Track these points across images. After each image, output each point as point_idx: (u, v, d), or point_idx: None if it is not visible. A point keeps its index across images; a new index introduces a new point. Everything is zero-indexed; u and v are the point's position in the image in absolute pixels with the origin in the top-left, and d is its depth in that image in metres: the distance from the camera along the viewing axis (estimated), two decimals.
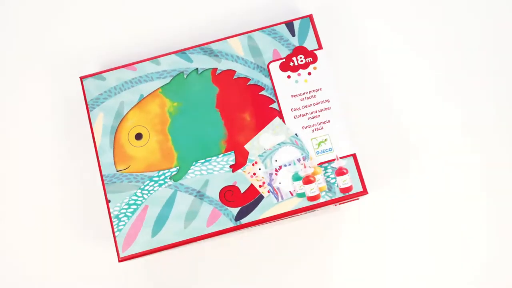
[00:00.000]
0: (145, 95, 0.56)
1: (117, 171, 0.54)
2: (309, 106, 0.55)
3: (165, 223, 0.53)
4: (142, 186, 0.54)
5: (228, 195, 0.54)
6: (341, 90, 0.59)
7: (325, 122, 0.55)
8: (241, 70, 0.56)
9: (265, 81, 0.56)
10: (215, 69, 0.56)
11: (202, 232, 0.53)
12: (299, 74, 0.56)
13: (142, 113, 0.56)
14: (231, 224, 0.53)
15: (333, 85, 0.55)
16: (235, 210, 0.53)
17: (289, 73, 0.56)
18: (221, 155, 0.55)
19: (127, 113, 0.55)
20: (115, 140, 0.55)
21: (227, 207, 0.53)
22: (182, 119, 0.55)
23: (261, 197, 0.54)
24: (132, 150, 0.55)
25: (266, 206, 0.53)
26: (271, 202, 0.54)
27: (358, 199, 0.56)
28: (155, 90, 0.56)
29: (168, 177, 0.54)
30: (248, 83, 0.56)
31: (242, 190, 0.54)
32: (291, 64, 0.56)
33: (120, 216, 0.54)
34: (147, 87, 0.56)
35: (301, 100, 0.55)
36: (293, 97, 0.56)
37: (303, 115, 0.55)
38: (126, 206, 0.54)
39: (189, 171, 0.54)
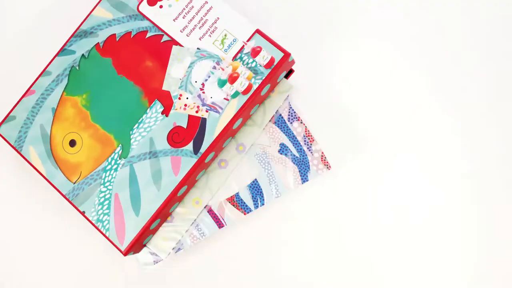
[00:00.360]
0: (55, 106, 0.56)
1: (74, 183, 0.54)
2: (193, 18, 0.54)
3: (140, 197, 0.53)
4: (102, 181, 0.54)
5: (176, 137, 0.53)
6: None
7: (215, 22, 0.54)
8: (120, 30, 0.56)
9: (145, 24, 0.55)
10: (97, 43, 0.56)
11: (175, 183, 0.53)
12: None
13: (62, 123, 0.56)
14: (195, 159, 0.52)
15: None
16: (190, 146, 0.53)
17: (158, 4, 0.55)
18: (148, 109, 0.54)
19: (50, 131, 0.55)
20: (56, 159, 0.55)
21: (181, 148, 0.53)
22: (98, 104, 0.55)
23: (204, 120, 0.53)
24: (75, 158, 0.55)
25: (213, 124, 0.53)
26: (215, 118, 0.53)
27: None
28: (60, 97, 0.56)
29: (118, 158, 0.54)
30: (132, 36, 0.55)
31: (185, 125, 0.53)
32: None
33: (100, 217, 0.53)
34: (53, 98, 0.56)
35: (183, 18, 0.55)
36: (176, 20, 0.55)
37: (194, 29, 0.54)
38: (100, 206, 0.54)
39: (132, 141, 0.54)
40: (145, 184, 0.53)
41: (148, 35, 0.55)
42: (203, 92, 0.54)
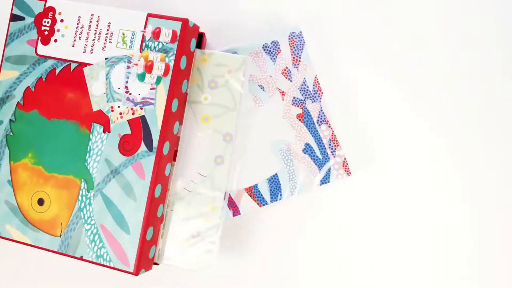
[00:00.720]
0: (10, 178, 0.56)
1: (60, 236, 0.54)
2: (88, 35, 0.55)
3: (123, 216, 0.53)
4: (84, 221, 0.54)
5: (126, 146, 0.53)
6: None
7: (108, 27, 0.55)
8: (31, 80, 0.56)
9: (50, 63, 0.56)
10: (18, 103, 0.56)
11: (146, 187, 0.53)
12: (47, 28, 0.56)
13: (23, 188, 0.56)
14: (153, 156, 0.53)
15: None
16: (143, 147, 0.53)
17: (52, 39, 0.56)
18: (90, 135, 0.54)
19: (16, 202, 0.56)
20: (33, 224, 0.55)
21: (136, 152, 0.53)
22: (45, 155, 0.55)
23: (143, 118, 0.53)
24: (49, 213, 0.55)
25: (152, 116, 0.53)
26: (152, 110, 0.53)
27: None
28: (10, 167, 0.56)
29: (87, 193, 0.54)
30: (44, 80, 0.56)
31: (129, 131, 0.53)
32: (42, 28, 0.56)
33: (98, 253, 0.53)
34: (4, 172, 0.56)
35: (79, 39, 0.55)
36: (74, 45, 0.55)
37: (93, 44, 0.55)
38: (93, 244, 0.54)
39: (91, 171, 0.54)
40: (122, 202, 0.53)
41: (58, 70, 0.55)
42: (130, 94, 0.54)
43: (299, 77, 0.60)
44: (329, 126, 0.59)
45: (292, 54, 0.60)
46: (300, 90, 0.60)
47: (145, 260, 0.54)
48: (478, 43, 0.62)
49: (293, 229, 0.60)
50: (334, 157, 0.59)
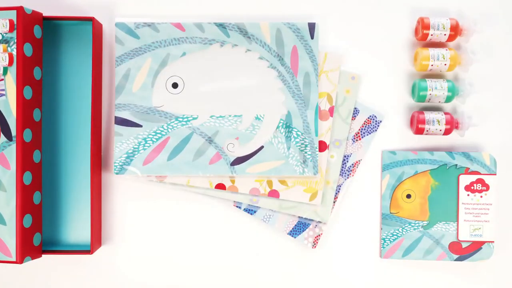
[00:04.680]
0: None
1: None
2: None
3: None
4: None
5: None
6: None
7: None
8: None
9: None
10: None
11: (13, 175, 0.53)
12: None
13: None
14: (13, 144, 0.53)
15: None
16: (3, 138, 0.54)
17: None
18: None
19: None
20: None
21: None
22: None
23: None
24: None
25: (6, 106, 0.54)
26: (4, 100, 0.54)
27: None
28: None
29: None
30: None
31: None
32: None
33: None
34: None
35: None
36: None
37: None
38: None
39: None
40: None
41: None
42: None
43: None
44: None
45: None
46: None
47: (29, 247, 0.55)
48: None
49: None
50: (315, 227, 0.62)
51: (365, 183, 0.63)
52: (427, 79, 0.61)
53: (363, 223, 0.63)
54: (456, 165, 0.64)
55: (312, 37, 0.60)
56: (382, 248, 0.63)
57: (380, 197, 0.63)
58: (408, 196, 0.64)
